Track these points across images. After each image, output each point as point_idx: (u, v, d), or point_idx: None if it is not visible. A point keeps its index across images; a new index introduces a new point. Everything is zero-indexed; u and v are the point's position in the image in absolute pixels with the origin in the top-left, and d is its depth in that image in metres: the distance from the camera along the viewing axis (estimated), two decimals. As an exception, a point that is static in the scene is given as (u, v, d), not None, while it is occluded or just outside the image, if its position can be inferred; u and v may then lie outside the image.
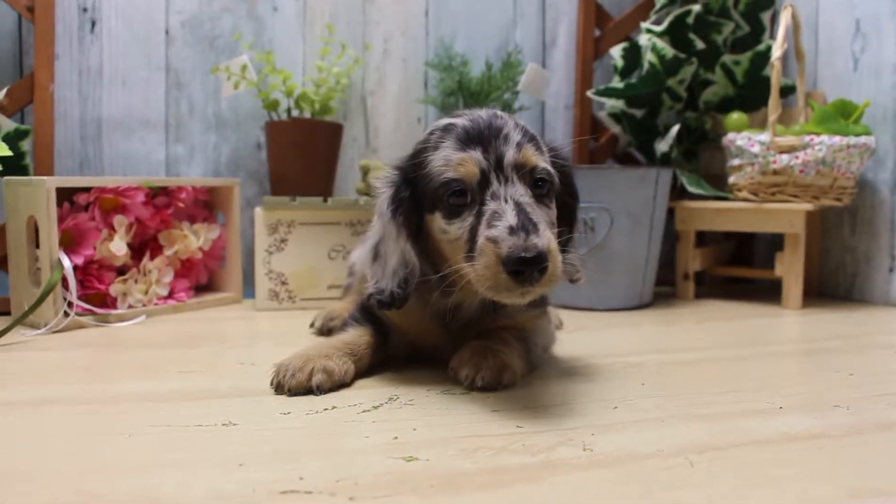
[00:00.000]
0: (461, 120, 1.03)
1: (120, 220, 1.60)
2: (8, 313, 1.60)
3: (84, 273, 1.57)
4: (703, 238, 2.17)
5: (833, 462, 0.78)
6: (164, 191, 1.73)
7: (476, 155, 0.98)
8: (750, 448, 0.81)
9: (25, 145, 1.66)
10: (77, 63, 1.89)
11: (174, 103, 1.97)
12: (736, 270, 2.18)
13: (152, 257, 1.69)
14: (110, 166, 1.93)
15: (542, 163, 1.00)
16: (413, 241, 1.06)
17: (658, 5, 2.07)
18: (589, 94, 2.11)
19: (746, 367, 1.22)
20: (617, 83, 2.05)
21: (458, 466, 0.74)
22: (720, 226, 1.95)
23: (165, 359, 1.25)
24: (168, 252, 1.72)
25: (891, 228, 1.87)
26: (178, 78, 1.97)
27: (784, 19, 1.79)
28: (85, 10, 1.88)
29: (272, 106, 1.87)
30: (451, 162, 0.99)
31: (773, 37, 2.08)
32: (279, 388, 1.02)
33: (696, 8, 1.98)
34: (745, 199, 1.88)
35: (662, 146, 2.01)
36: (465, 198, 0.98)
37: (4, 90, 1.64)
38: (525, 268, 0.88)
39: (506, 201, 0.95)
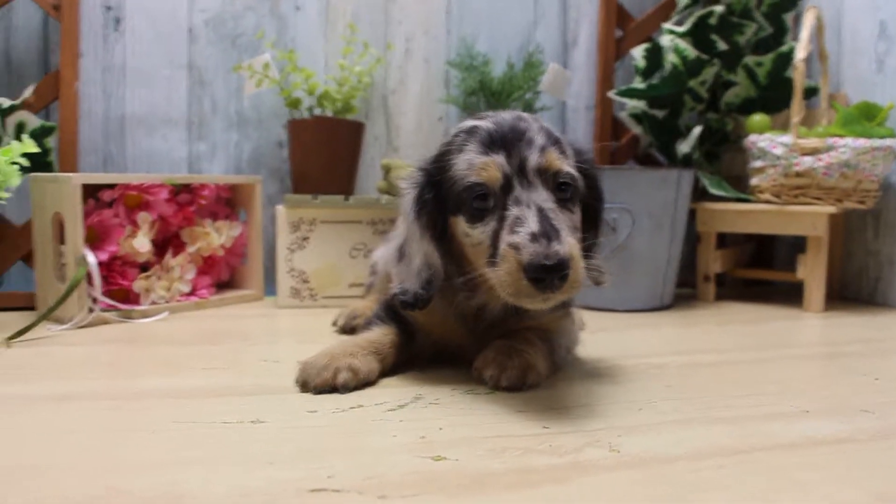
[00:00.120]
0: (485, 122, 1.03)
1: (144, 217, 1.62)
2: (33, 308, 1.62)
3: (108, 269, 1.58)
4: (723, 240, 2.17)
5: (860, 467, 0.77)
6: (187, 188, 1.74)
7: (499, 159, 0.98)
8: (776, 452, 0.81)
9: (50, 142, 1.67)
10: (101, 61, 1.90)
11: (197, 101, 1.98)
12: (757, 273, 2.17)
13: (175, 254, 1.71)
14: (133, 163, 1.94)
15: (566, 167, 1.00)
16: (437, 242, 1.06)
17: (680, 6, 2.07)
18: (610, 94, 2.10)
19: (769, 370, 1.21)
20: (638, 84, 2.04)
21: (486, 466, 0.75)
22: (742, 228, 1.94)
23: (188, 355, 1.26)
24: (190, 249, 1.73)
25: (914, 232, 1.86)
26: (201, 76, 1.98)
27: (808, 20, 1.78)
28: (109, 8, 1.89)
29: (294, 104, 1.88)
30: (474, 166, 0.99)
31: (795, 38, 2.07)
32: (304, 386, 1.02)
33: (719, 9, 1.97)
34: (767, 201, 1.87)
35: (684, 147, 2.00)
36: (488, 202, 0.98)
37: (31, 88, 1.65)
38: (546, 275, 0.88)
39: (528, 207, 0.94)
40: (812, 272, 1.83)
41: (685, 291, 2.11)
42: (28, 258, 1.69)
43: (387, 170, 1.86)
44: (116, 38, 1.91)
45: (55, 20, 1.75)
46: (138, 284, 1.62)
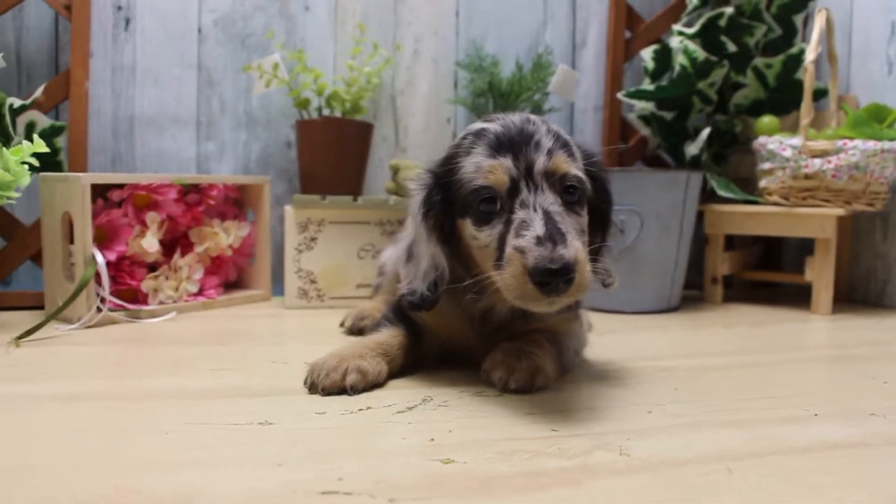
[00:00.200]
0: (493, 125, 1.03)
1: (152, 217, 1.62)
2: (42, 308, 1.62)
3: (116, 269, 1.59)
4: (731, 242, 2.16)
5: (872, 471, 0.77)
6: (195, 188, 1.75)
7: (506, 162, 0.98)
8: (787, 455, 0.81)
9: (60, 142, 1.68)
10: (111, 60, 1.90)
11: (205, 101, 1.98)
12: (764, 275, 2.17)
13: (183, 254, 1.71)
14: (142, 163, 1.94)
15: (574, 170, 1.00)
16: (445, 244, 1.07)
17: (689, 7, 2.06)
18: (619, 96, 2.10)
19: (777, 373, 1.21)
20: (647, 85, 2.04)
21: (495, 469, 0.75)
22: (750, 230, 1.94)
23: (196, 356, 1.27)
24: (198, 249, 1.73)
25: (924, 235, 1.86)
26: (210, 76, 1.98)
27: (818, 22, 1.77)
28: (120, 8, 1.89)
29: (303, 104, 1.88)
30: (481, 169, 0.99)
31: (805, 40, 2.06)
32: (313, 388, 1.02)
33: (729, 10, 1.96)
34: (775, 204, 1.87)
35: (692, 149, 2.00)
36: (494, 205, 0.98)
37: (41, 88, 1.66)
38: (551, 279, 0.88)
39: (535, 210, 0.94)
40: (820, 274, 1.82)
41: (692, 293, 2.10)
42: (37, 257, 1.69)
43: (395, 171, 1.86)
44: (126, 38, 1.91)
45: (66, 20, 1.75)
46: (146, 284, 1.62)
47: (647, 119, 2.12)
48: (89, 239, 1.48)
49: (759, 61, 2.00)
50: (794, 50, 1.98)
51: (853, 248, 2.06)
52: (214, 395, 1.02)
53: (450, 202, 1.05)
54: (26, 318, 1.52)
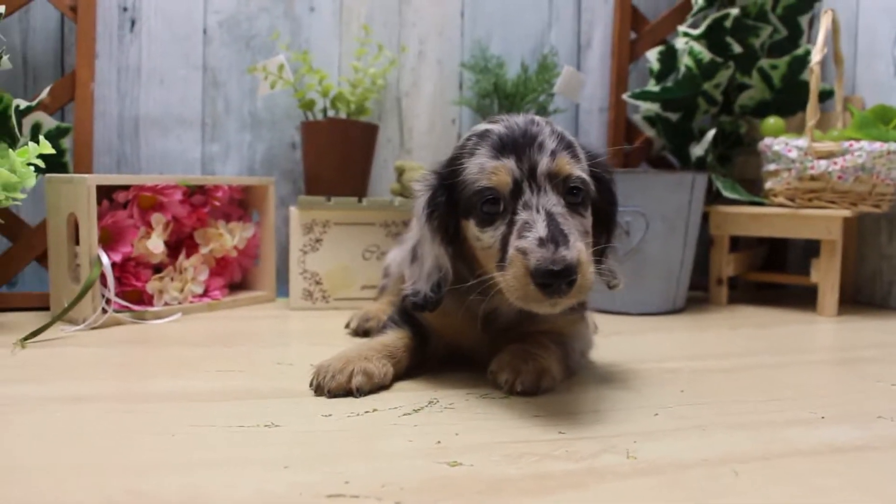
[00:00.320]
0: (497, 127, 1.03)
1: (157, 218, 1.62)
2: (47, 309, 1.62)
3: (122, 270, 1.59)
4: (736, 243, 2.16)
5: (878, 474, 0.77)
6: (200, 189, 1.75)
7: (509, 164, 0.98)
8: (794, 458, 0.81)
9: (66, 143, 1.68)
10: (116, 61, 1.91)
11: (210, 102, 1.99)
12: (770, 276, 2.16)
13: (188, 255, 1.71)
14: (147, 164, 1.95)
15: (577, 171, 1.00)
16: (449, 245, 1.07)
17: (695, 9, 2.06)
18: (624, 97, 2.10)
19: (783, 375, 1.21)
20: (652, 86, 2.04)
21: (502, 472, 0.74)
22: (755, 231, 1.94)
23: (201, 357, 1.27)
24: (203, 250, 1.73)
25: (930, 236, 1.85)
26: (215, 77, 1.98)
27: (824, 23, 1.77)
28: (125, 9, 1.90)
29: (308, 106, 1.88)
30: (484, 170, 0.99)
31: (811, 41, 2.06)
32: (319, 390, 1.02)
33: (734, 11, 1.96)
34: (781, 205, 1.87)
35: (698, 150, 1.99)
36: (497, 206, 0.99)
37: (47, 89, 1.66)
38: (553, 280, 0.88)
39: (537, 211, 0.95)
40: (826, 276, 1.82)
41: (697, 295, 2.10)
42: (42, 258, 1.69)
43: (400, 172, 1.86)
44: (132, 39, 1.91)
45: (71, 21, 1.75)
46: (152, 285, 1.63)
47: (652, 120, 2.12)
48: (94, 240, 1.48)
49: (764, 62, 2.00)
50: (799, 51, 1.98)
51: (859, 250, 2.06)
52: (220, 396, 1.02)
53: (454, 203, 1.05)
54: (32, 320, 1.52)
